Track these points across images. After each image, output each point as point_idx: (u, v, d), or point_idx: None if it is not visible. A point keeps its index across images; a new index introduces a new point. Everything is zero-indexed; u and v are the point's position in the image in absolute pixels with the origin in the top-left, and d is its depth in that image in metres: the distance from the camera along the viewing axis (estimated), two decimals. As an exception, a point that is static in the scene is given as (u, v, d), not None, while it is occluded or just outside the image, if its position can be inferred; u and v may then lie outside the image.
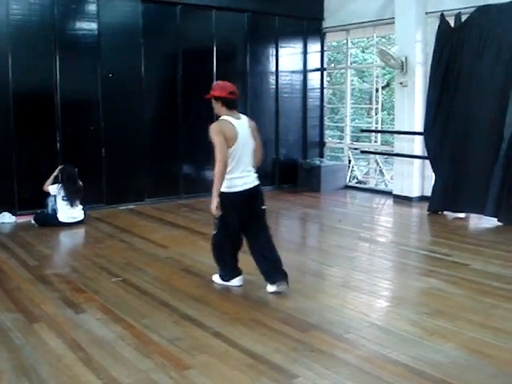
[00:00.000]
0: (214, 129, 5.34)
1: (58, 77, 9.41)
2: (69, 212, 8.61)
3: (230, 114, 5.49)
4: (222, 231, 5.64)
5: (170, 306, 5.25)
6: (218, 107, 5.55)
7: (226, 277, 5.80)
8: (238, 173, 5.48)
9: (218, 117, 5.62)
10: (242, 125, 5.49)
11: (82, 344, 4.44)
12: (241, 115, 5.62)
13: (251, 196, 5.61)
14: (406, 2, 10.30)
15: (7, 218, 8.96)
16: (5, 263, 6.75)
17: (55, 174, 8.81)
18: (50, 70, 9.36)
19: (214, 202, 5.28)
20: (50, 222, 8.61)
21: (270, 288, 5.55)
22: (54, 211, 8.68)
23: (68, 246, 7.79)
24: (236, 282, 5.78)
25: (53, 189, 8.64)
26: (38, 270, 6.44)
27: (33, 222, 8.73)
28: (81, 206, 8.74)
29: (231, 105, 5.54)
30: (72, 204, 8.60)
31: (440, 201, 9.35)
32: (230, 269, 5.79)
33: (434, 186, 9.53)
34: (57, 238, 8.09)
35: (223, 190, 5.36)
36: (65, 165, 8.95)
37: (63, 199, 8.57)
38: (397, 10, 10.52)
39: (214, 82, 5.75)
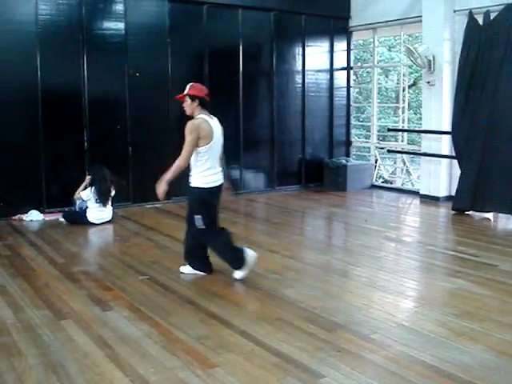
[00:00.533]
0: (191, 126, 5.64)
1: (85, 76, 9.50)
2: (99, 213, 8.66)
3: (205, 114, 5.81)
4: (210, 225, 5.89)
5: (196, 305, 5.26)
6: (193, 106, 5.80)
7: (239, 264, 5.90)
8: (214, 169, 5.86)
9: (191, 117, 5.83)
10: (216, 124, 5.86)
11: (108, 341, 4.47)
12: (212, 116, 5.91)
13: (220, 191, 6.00)
14: (433, -1, 10.23)
15: (35, 215, 9.07)
16: (33, 260, 6.83)
17: (85, 183, 8.81)
18: (77, 69, 9.45)
19: (163, 186, 5.68)
20: (79, 220, 8.68)
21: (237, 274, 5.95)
22: (82, 209, 8.75)
23: (95, 244, 7.84)
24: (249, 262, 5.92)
25: (86, 194, 8.64)
26: (66, 268, 6.50)
27: (61, 219, 8.82)
28: (111, 207, 8.81)
29: (206, 105, 5.86)
30: (104, 204, 8.67)
31: (465, 199, 9.27)
32: (240, 254, 5.89)
33: (458, 185, 9.45)
34: (84, 235, 8.15)
35: (203, 186, 5.79)
36: (95, 166, 8.99)
37: (96, 202, 8.61)
38: (424, 8, 10.45)
39: (189, 84, 5.84)
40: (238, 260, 5.90)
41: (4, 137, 8.96)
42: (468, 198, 9.21)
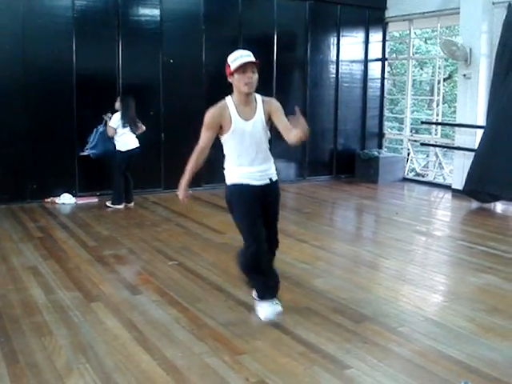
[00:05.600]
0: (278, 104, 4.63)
1: (120, 62, 9.59)
2: (127, 139, 8.73)
3: None
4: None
5: (224, 291, 5.29)
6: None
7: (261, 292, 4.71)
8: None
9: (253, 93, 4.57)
10: None
11: (137, 325, 4.52)
12: None
13: None
14: (472, -9, 10.08)
15: (68, 199, 9.20)
16: (65, 243, 6.93)
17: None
18: (112, 55, 9.53)
19: None
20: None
21: None
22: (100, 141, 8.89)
23: (126, 229, 7.90)
24: None
25: (114, 122, 8.64)
26: (97, 251, 6.59)
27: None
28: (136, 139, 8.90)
29: None
30: (132, 130, 8.74)
31: (477, 181, 9.36)
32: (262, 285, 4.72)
33: (470, 166, 9.58)
34: (115, 220, 8.22)
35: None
36: (122, 95, 9.03)
37: (124, 126, 8.66)
38: (463, 0, 10.29)
39: (245, 51, 4.48)
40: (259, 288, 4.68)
41: (39, 121, 9.10)
42: (478, 180, 9.31)
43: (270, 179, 4.53)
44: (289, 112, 4.53)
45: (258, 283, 4.62)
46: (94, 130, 8.88)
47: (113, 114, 8.72)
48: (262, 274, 4.54)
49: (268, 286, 4.60)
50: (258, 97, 4.54)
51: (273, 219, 4.62)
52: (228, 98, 4.45)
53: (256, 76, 4.37)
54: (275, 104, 4.58)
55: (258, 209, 4.43)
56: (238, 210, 4.47)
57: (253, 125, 4.40)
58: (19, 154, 9.00)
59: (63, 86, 9.24)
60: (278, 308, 4.57)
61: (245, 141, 4.39)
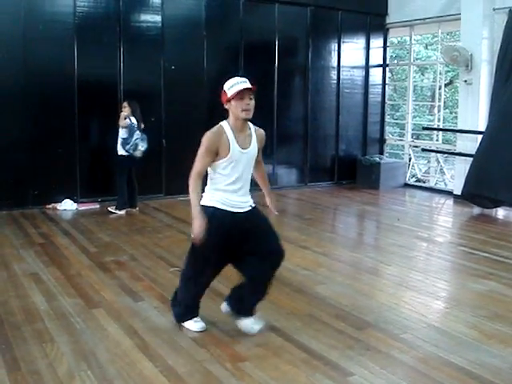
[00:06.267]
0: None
1: (121, 68, 9.60)
2: (141, 145, 8.74)
3: None
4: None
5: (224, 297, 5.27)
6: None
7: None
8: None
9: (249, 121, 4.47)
10: None
11: (139, 331, 4.51)
12: None
13: None
14: (473, -3, 10.08)
15: (69, 205, 9.19)
16: (66, 249, 6.92)
17: (125, 114, 8.79)
18: (114, 61, 9.55)
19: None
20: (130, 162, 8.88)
21: None
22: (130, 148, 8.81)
23: (127, 235, 7.90)
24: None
25: (128, 120, 8.69)
26: (98, 257, 6.58)
27: (112, 210, 8.93)
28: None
29: None
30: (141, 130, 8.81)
31: (474, 184, 9.40)
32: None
33: (469, 170, 9.63)
34: (116, 226, 8.21)
35: None
36: (129, 99, 8.98)
37: (140, 130, 8.73)
38: (463, 6, 10.31)
39: (241, 78, 4.33)
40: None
41: (41, 127, 9.11)
42: (476, 184, 9.36)
43: (250, 205, 4.46)
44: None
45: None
46: (130, 128, 8.75)
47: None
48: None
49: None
50: (251, 125, 4.47)
51: (265, 228, 4.49)
52: (224, 124, 4.32)
53: (253, 102, 4.30)
54: (264, 140, 4.59)
55: (225, 254, 4.41)
56: (207, 241, 4.26)
57: (247, 154, 4.35)
58: (21, 160, 9.00)
59: (65, 92, 9.24)
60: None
61: (238, 169, 4.30)
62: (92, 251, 6.85)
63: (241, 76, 4.35)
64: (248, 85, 4.26)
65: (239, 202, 4.36)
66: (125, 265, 6.34)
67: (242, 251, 4.41)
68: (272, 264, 4.44)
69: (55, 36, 9.08)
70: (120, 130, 8.71)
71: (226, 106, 4.31)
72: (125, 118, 8.66)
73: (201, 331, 4.50)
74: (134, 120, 8.69)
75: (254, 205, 4.50)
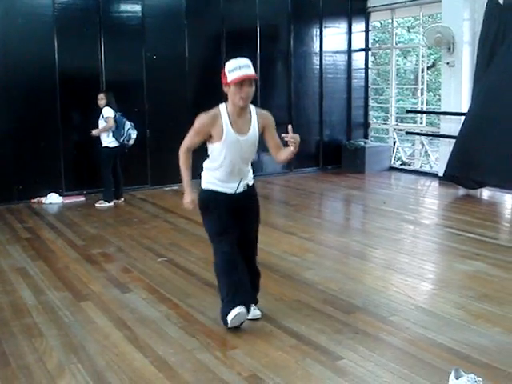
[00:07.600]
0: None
1: (102, 59, 9.54)
2: (133, 134, 8.86)
3: None
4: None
5: (214, 287, 5.22)
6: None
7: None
8: None
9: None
10: None
11: (128, 323, 4.51)
12: None
13: None
14: (453, -21, 10.08)
15: (54, 198, 9.14)
16: (53, 243, 6.90)
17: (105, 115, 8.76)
18: (94, 52, 9.49)
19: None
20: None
21: None
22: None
23: (113, 226, 7.87)
24: None
25: (110, 111, 8.68)
26: (85, 250, 6.56)
27: (101, 204, 8.89)
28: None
29: None
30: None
31: (455, 166, 9.44)
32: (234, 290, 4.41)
33: (452, 152, 9.66)
34: (102, 218, 8.18)
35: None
36: (106, 90, 9.04)
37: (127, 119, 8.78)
38: (444, -12, 10.31)
39: (245, 60, 4.28)
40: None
41: (23, 121, 9.04)
42: (459, 165, 9.38)
43: (247, 184, 4.43)
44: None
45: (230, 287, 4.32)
46: (117, 120, 8.74)
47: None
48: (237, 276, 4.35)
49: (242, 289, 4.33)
50: (253, 109, 4.33)
51: (249, 229, 4.47)
52: (222, 107, 4.23)
53: (253, 89, 4.16)
54: (270, 119, 4.41)
55: (229, 217, 4.33)
56: (209, 216, 4.38)
57: (246, 140, 4.24)
58: (4, 155, 8.94)
59: (46, 85, 9.18)
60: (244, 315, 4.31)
61: (233, 154, 4.22)
62: (79, 244, 6.83)
63: (241, 57, 4.27)
64: (249, 72, 4.13)
65: (231, 183, 4.32)
66: (112, 257, 6.33)
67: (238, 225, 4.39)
68: (243, 255, 4.43)
69: (35, 29, 9.01)
70: (100, 120, 8.67)
71: (225, 89, 4.18)
72: (104, 118, 8.68)
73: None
74: (113, 112, 8.66)
75: (251, 183, 4.49)
